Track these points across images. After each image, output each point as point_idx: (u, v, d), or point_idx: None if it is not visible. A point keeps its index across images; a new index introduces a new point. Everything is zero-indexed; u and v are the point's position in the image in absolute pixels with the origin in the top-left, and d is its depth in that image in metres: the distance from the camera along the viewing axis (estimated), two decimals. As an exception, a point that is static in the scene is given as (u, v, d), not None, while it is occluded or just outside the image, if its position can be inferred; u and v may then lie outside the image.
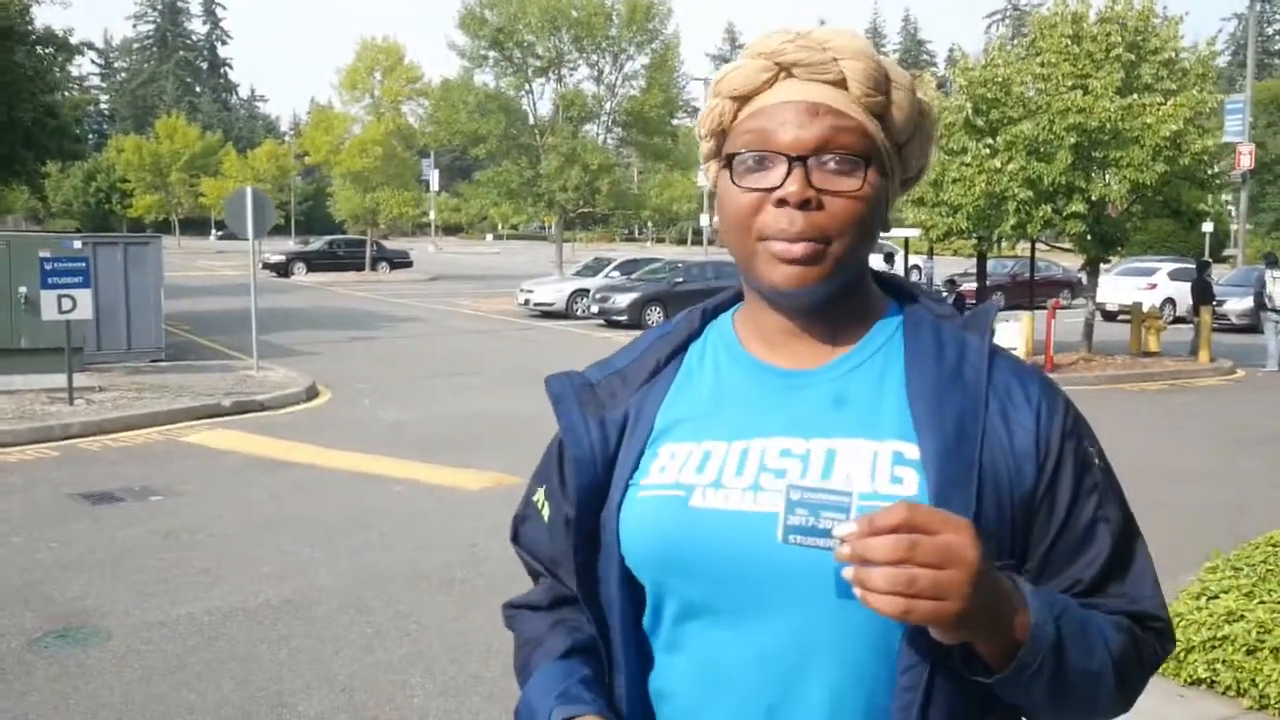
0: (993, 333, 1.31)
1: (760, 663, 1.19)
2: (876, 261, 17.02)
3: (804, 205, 1.19)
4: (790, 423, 1.24)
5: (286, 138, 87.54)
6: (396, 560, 7.57)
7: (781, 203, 1.20)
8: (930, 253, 23.93)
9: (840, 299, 1.27)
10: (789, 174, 1.19)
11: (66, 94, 33.14)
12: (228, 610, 6.48)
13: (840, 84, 1.23)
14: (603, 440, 1.31)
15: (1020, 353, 17.70)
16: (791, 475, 1.19)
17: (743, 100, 1.26)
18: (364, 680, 5.52)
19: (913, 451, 1.20)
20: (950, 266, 33.24)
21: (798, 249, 1.20)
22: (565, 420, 1.35)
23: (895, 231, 23.58)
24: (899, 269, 22.15)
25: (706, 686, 1.23)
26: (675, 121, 40.56)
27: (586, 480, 1.30)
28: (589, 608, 1.30)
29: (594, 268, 31.53)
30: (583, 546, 1.30)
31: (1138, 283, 27.27)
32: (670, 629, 1.26)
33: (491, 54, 35.04)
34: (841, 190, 1.20)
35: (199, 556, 7.60)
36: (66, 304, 12.53)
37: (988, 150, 17.32)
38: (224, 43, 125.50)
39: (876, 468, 1.19)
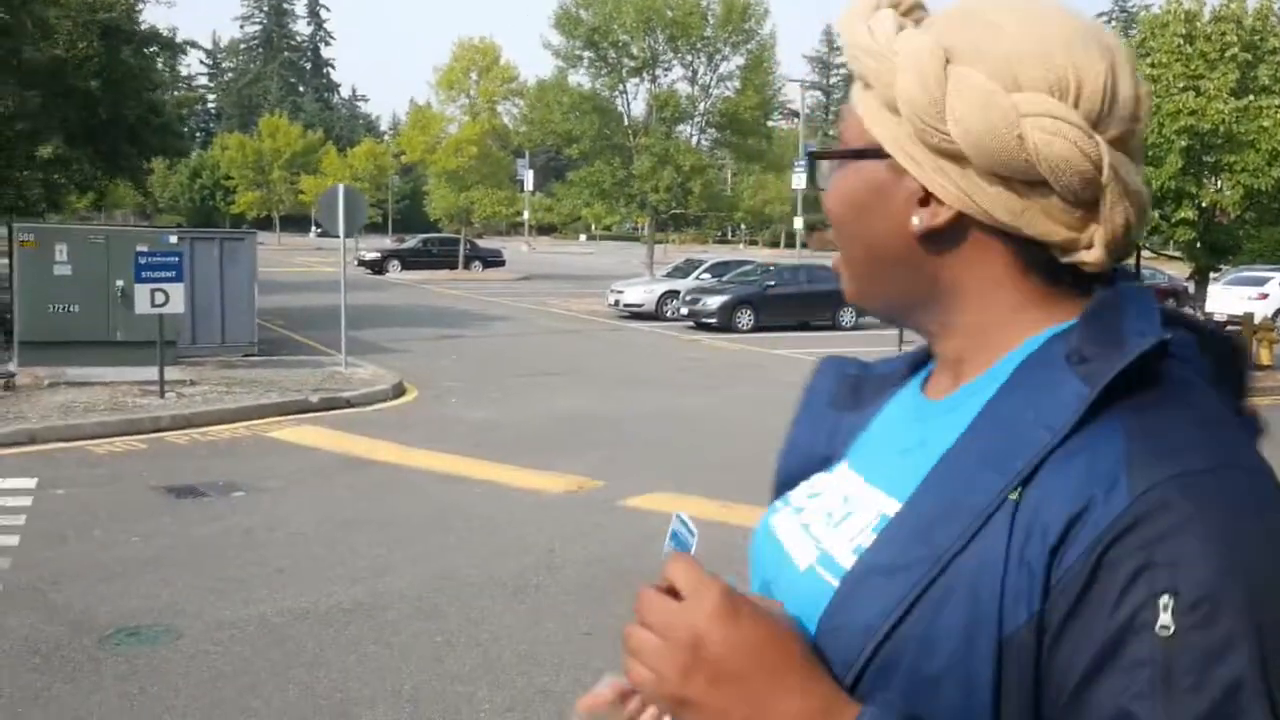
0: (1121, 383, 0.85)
1: None
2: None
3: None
4: (873, 462, 1.04)
5: (385, 137, 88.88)
6: (472, 565, 7.43)
7: None
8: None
9: (923, 324, 1.02)
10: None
11: (173, 93, 33.83)
12: (299, 612, 6.39)
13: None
14: (829, 439, 1.15)
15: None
16: (818, 516, 1.03)
17: None
18: (430, 691, 5.36)
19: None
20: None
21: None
22: (801, 405, 1.22)
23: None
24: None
25: None
26: (770, 123, 40.23)
27: (791, 469, 1.16)
28: None
29: (685, 269, 31.33)
30: None
31: (1248, 292, 26.23)
32: None
33: (586, 54, 35.05)
34: (827, 189, 1.04)
35: (275, 555, 7.54)
36: (160, 298, 12.67)
37: (1094, 154, 16.77)
38: (327, 43, 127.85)
39: (863, 528, 0.95)
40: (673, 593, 0.88)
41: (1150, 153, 16.45)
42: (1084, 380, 0.86)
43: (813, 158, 1.04)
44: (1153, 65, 16.99)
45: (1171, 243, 17.86)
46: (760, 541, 1.10)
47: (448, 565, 7.40)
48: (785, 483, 1.15)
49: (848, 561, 0.92)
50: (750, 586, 1.07)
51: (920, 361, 1.12)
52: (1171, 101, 16.20)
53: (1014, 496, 0.83)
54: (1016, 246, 0.93)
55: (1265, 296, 25.90)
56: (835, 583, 0.91)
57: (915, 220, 0.94)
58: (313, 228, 72.08)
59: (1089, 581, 0.78)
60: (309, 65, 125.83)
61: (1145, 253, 19.74)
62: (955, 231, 0.94)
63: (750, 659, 0.85)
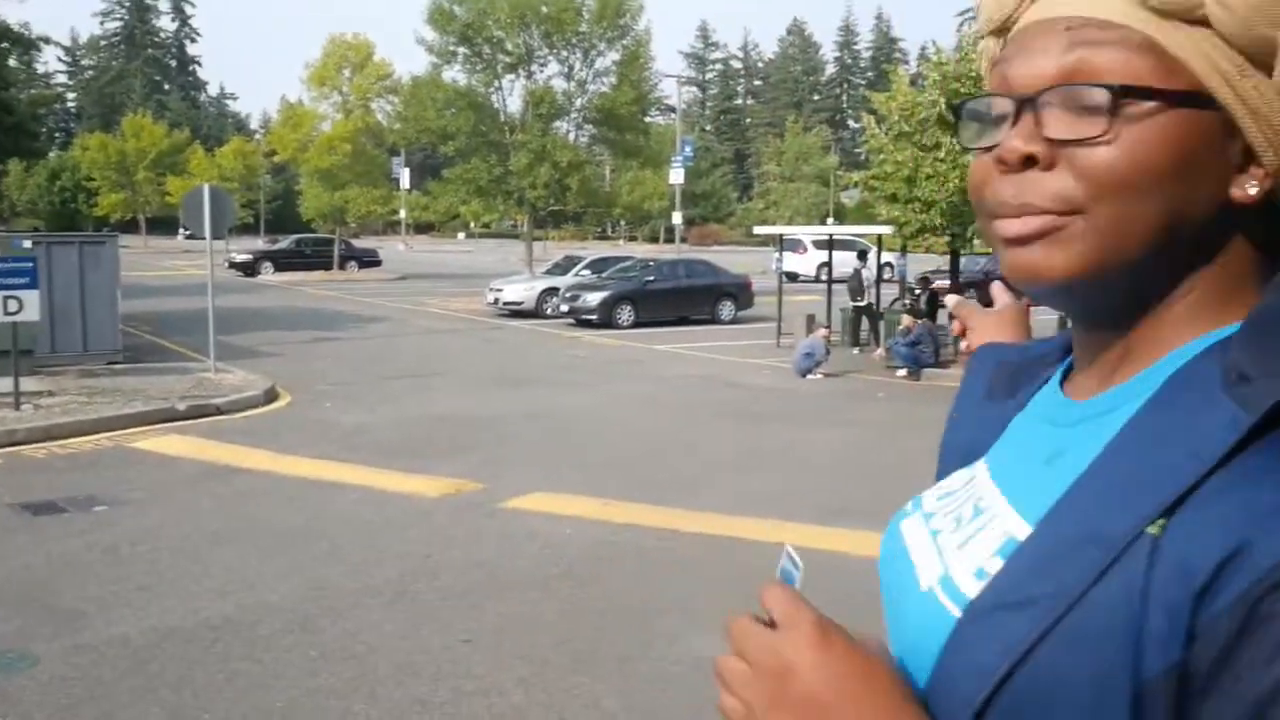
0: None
1: None
2: (850, 259, 16.57)
3: (1028, 164, 0.83)
4: (1008, 468, 0.94)
5: (255, 136, 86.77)
6: (346, 574, 7.23)
7: (1002, 165, 0.84)
8: (903, 250, 23.72)
9: (1121, 308, 0.87)
10: (1014, 123, 0.84)
11: (29, 91, 32.51)
12: (164, 631, 6.13)
13: None
14: (980, 434, 1.04)
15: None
16: (946, 522, 0.95)
17: (1001, 33, 0.91)
18: (304, 707, 5.18)
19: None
20: (922, 264, 33.08)
21: (1016, 226, 0.84)
22: (956, 401, 1.14)
23: (869, 228, 23.41)
24: (871, 266, 21.89)
25: None
26: (647, 119, 40.28)
27: (948, 465, 1.08)
28: None
29: (564, 266, 31.21)
30: None
31: None
32: None
33: (461, 50, 34.63)
34: (1084, 138, 0.80)
35: (139, 571, 7.24)
36: (12, 305, 12.09)
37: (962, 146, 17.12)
38: (193, 40, 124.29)
39: (987, 549, 0.87)
40: (771, 624, 0.84)
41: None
42: (1241, 405, 0.75)
43: (1127, 92, 0.79)
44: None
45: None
46: (888, 546, 1.02)
47: (321, 575, 7.19)
48: (946, 471, 1.07)
49: (969, 587, 0.84)
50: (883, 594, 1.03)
51: (1069, 349, 1.00)
52: (1034, 95, 16.66)
53: (1153, 531, 0.74)
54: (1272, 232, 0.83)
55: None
56: (955, 611, 0.83)
57: (1252, 187, 0.81)
58: (180, 230, 70.08)
59: (1240, 631, 0.69)
60: (174, 63, 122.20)
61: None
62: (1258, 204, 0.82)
63: (839, 691, 0.80)
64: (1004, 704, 0.76)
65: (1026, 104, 0.83)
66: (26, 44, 26.40)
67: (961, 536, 0.90)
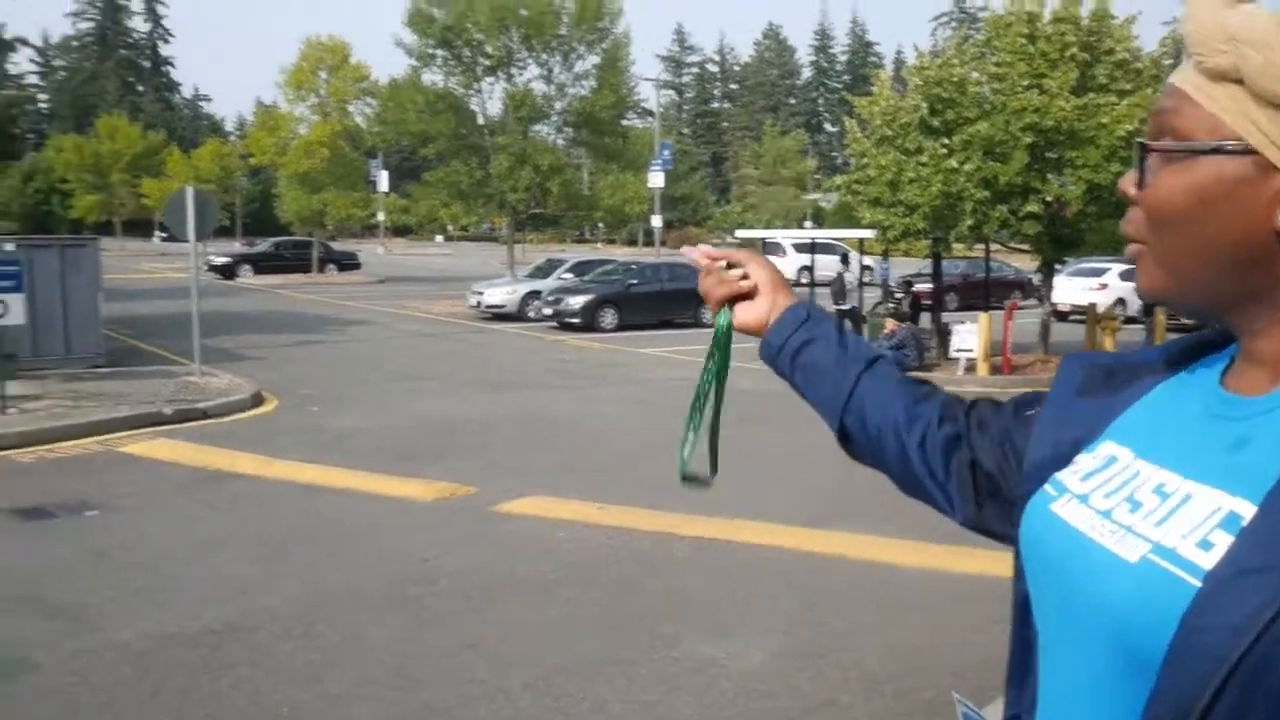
0: None
1: (1041, 700, 1.09)
2: (832, 263, 16.75)
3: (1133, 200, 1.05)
4: (1184, 455, 1.03)
5: (231, 138, 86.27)
6: (344, 578, 7.21)
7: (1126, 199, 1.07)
8: (885, 253, 23.83)
9: (1242, 319, 1.02)
10: (1138, 166, 1.04)
11: (1, 92, 32.23)
12: (164, 637, 6.10)
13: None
14: (1078, 423, 1.17)
15: (978, 354, 17.61)
16: (1115, 503, 1.04)
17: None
18: (308, 713, 5.17)
19: (1249, 514, 0.94)
20: (903, 267, 33.22)
21: (1128, 249, 1.06)
22: (1048, 398, 1.23)
23: (851, 232, 23.48)
24: (854, 269, 21.98)
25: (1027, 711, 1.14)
26: (626, 122, 40.26)
27: (1043, 455, 1.17)
28: (1019, 584, 1.17)
29: (546, 269, 31.17)
30: (1019, 522, 1.16)
31: (1089, 283, 27.31)
32: (1031, 636, 1.15)
33: (440, 53, 34.50)
34: (1141, 183, 1.02)
35: (133, 578, 7.20)
36: (-2, 309, 12.02)
37: (944, 150, 17.20)
38: (166, 41, 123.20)
39: (1202, 523, 0.96)
40: None
41: (998, 149, 16.97)
42: None
43: (1145, 150, 1.00)
44: (997, 64, 17.53)
45: (1019, 236, 18.43)
46: (1043, 529, 1.09)
47: (318, 580, 7.18)
48: (1033, 474, 1.16)
49: (1195, 556, 0.92)
50: (1029, 577, 1.11)
51: (1180, 357, 1.14)
52: (1017, 99, 16.72)
53: None
54: None
55: (1105, 286, 27.00)
56: (1183, 575, 0.91)
57: None
58: (156, 232, 69.73)
59: None
60: (148, 64, 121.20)
61: (994, 246, 20.34)
62: None
63: None
64: (1257, 657, 0.85)
65: (1142, 151, 1.02)
66: (3, 47, 26.13)
67: (1154, 515, 0.99)
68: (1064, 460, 1.14)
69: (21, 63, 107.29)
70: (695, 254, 1.64)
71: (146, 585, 7.04)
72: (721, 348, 1.55)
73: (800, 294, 1.57)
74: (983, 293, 21.93)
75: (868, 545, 7.84)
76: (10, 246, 13.94)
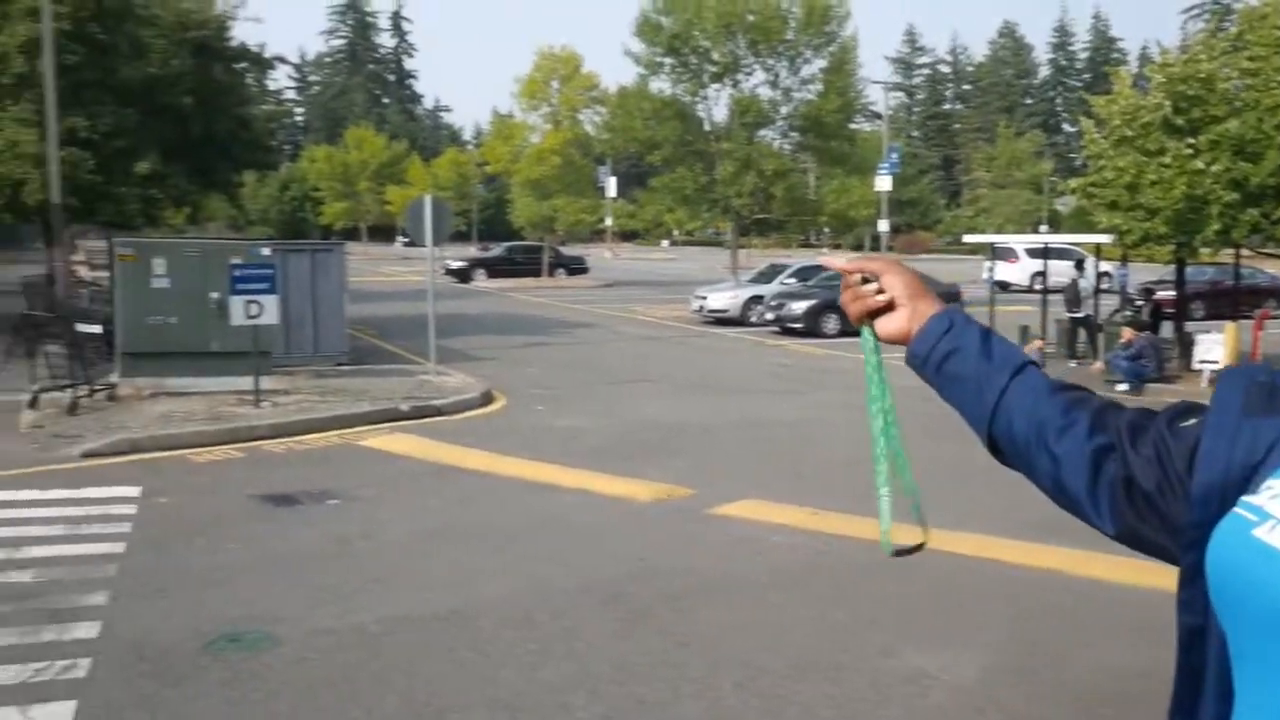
0: None
1: None
2: (1066, 268, 16.07)
3: None
4: None
5: (468, 147, 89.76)
6: (564, 573, 7.45)
7: None
8: (1124, 259, 22.77)
9: None
10: None
11: (263, 107, 34.48)
12: (395, 620, 6.46)
13: None
14: (1250, 447, 1.12)
15: (1223, 366, 16.65)
16: None
17: None
18: (527, 699, 5.39)
19: None
20: (1144, 274, 31.68)
21: None
22: (1209, 417, 1.18)
23: (1086, 237, 22.57)
24: (1089, 275, 21.10)
25: None
26: (853, 125, 39.82)
27: (1215, 478, 1.13)
28: (1186, 613, 1.14)
29: (769, 274, 31.13)
30: (1192, 546, 1.13)
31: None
32: (1217, 666, 1.10)
33: (667, 60, 34.98)
34: None
35: (370, 563, 7.64)
36: (254, 309, 12.92)
37: (1189, 151, 16.33)
38: (410, 55, 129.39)
39: None
40: None
41: (1249, 149, 16.00)
42: None
43: None
44: (1251, 59, 16.52)
45: (1272, 241, 17.32)
46: (1250, 556, 1.04)
47: (539, 574, 7.44)
48: (1206, 496, 1.12)
49: None
50: (1250, 609, 1.04)
51: None
52: (1271, 95, 15.74)
53: None
54: None
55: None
56: None
57: None
58: (398, 237, 73.13)
59: None
60: (393, 77, 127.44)
61: (1244, 251, 19.17)
62: None
63: None
64: None
65: None
66: (264, 64, 27.99)
67: None
68: (1241, 483, 1.10)
69: (280, 79, 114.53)
70: (836, 263, 1.60)
71: (381, 571, 7.45)
72: (876, 369, 1.52)
73: (950, 305, 1.53)
74: (1231, 301, 20.69)
75: (1088, 561, 7.55)
76: (266, 251, 14.94)
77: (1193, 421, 1.23)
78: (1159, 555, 1.25)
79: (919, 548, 1.56)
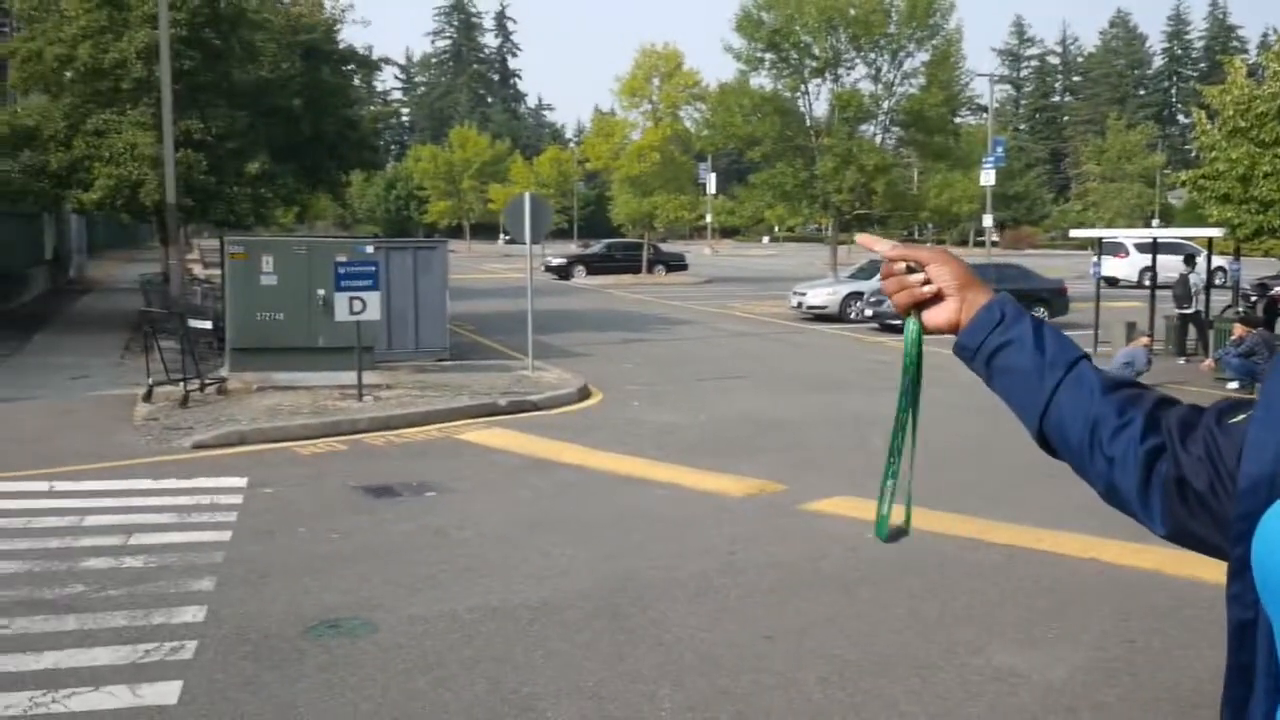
0: None
1: None
2: (1176, 263, 15.74)
3: None
4: None
5: (570, 144, 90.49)
6: (653, 566, 7.53)
7: None
8: (1236, 253, 22.13)
9: None
10: None
11: (370, 108, 35.22)
12: (487, 609, 6.60)
13: None
14: None
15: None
16: None
17: None
18: (613, 689, 5.47)
19: None
20: (1259, 268, 30.70)
21: None
22: (1259, 404, 1.16)
23: (1197, 231, 21.97)
24: (1200, 270, 20.56)
25: None
26: (957, 120, 39.26)
27: (1261, 470, 1.11)
28: (1236, 607, 1.15)
29: (869, 270, 30.80)
30: (1240, 539, 1.13)
31: None
32: (1266, 662, 1.11)
33: (768, 56, 34.90)
34: None
35: (464, 554, 7.81)
36: (357, 306, 13.23)
37: (1305, 142, 15.83)
38: (514, 55, 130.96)
39: None
40: None
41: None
42: None
43: None
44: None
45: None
46: None
47: (629, 566, 7.52)
48: (1253, 487, 1.11)
49: None
50: (1271, 603, 1.06)
51: None
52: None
53: None
54: None
55: None
56: None
57: None
58: (500, 235, 74.07)
59: None
60: (496, 77, 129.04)
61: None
62: None
63: None
64: None
65: None
66: (370, 66, 28.61)
67: None
68: None
69: (386, 80, 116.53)
70: (879, 245, 1.55)
71: (475, 561, 7.61)
72: (914, 362, 1.52)
73: (992, 292, 1.50)
74: (1351, 296, 19.98)
75: (1188, 562, 7.39)
76: (369, 249, 15.28)
77: (1241, 417, 1.22)
78: (1212, 553, 1.24)
79: (905, 532, 1.59)
